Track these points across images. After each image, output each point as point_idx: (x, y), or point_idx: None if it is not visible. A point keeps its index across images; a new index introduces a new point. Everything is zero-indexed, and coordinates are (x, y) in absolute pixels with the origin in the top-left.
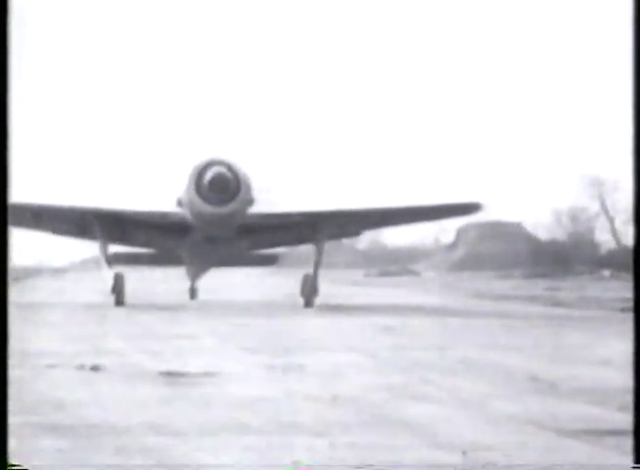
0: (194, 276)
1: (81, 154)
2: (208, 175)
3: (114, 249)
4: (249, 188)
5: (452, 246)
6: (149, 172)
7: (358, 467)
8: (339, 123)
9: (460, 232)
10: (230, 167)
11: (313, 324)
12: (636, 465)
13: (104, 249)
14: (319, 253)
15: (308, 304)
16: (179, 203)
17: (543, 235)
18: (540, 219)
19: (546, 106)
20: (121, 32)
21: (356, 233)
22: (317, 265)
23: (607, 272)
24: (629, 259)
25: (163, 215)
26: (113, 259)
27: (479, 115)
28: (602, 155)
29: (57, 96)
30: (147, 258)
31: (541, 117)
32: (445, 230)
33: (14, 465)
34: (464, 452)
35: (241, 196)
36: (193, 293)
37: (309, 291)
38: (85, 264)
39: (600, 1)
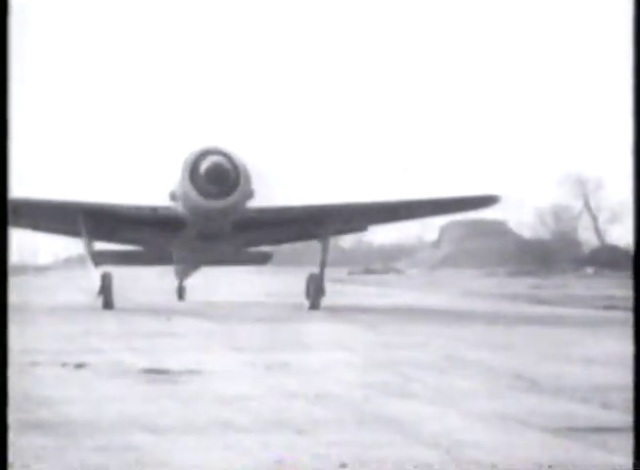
0: (182, 275)
1: (65, 143)
2: (205, 165)
3: (99, 246)
4: (248, 179)
5: (436, 244)
6: (138, 163)
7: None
8: (343, 114)
9: (444, 230)
10: (228, 156)
11: (328, 332)
12: (637, 466)
13: (89, 246)
14: (324, 250)
15: (314, 305)
16: (172, 196)
17: (527, 233)
18: (524, 218)
19: (530, 103)
20: (115, 21)
21: (363, 228)
22: (323, 264)
23: (590, 270)
24: (612, 257)
25: (154, 210)
26: (99, 258)
27: (466, 112)
28: (585, 153)
29: (38, 81)
30: (134, 256)
31: (525, 115)
32: (429, 228)
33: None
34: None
35: (240, 188)
36: (181, 293)
37: (315, 292)
38: (69, 263)
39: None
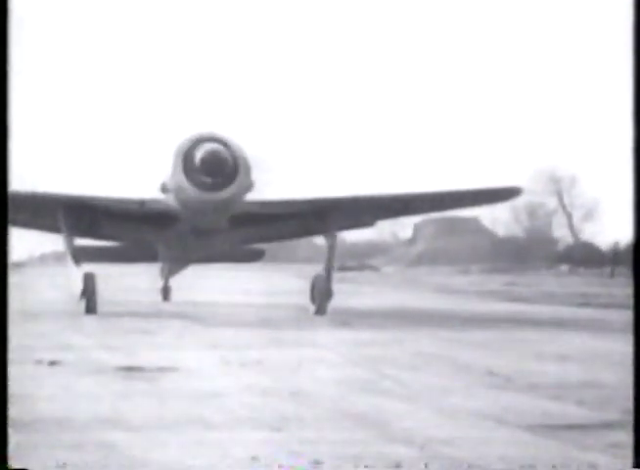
0: (169, 274)
1: (45, 130)
2: (200, 154)
3: (79, 243)
4: (248, 170)
5: (410, 241)
6: (125, 152)
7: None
8: (350, 103)
9: (418, 228)
10: (226, 144)
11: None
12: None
13: (70, 243)
14: (331, 247)
15: (320, 310)
16: (163, 188)
17: (501, 231)
18: (498, 215)
19: (507, 100)
20: (105, 9)
21: (371, 223)
22: (330, 263)
23: (565, 268)
24: (587, 255)
25: (142, 203)
26: (80, 256)
27: (450, 109)
28: (559, 150)
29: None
30: (119, 253)
31: (500, 112)
32: (403, 226)
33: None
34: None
35: (239, 179)
36: (166, 293)
37: (321, 295)
38: (44, 260)
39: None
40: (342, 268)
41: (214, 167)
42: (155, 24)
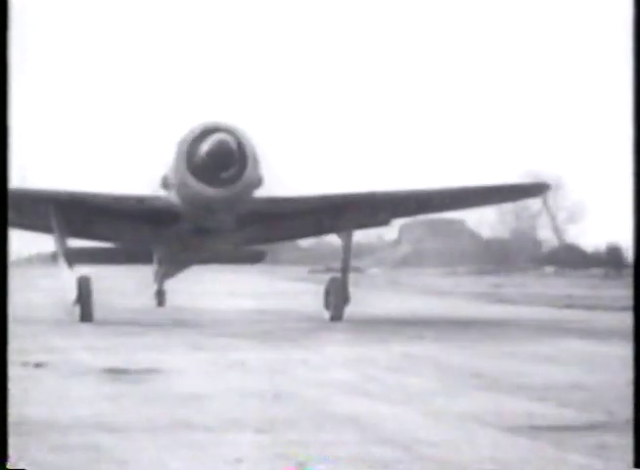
0: (164, 277)
1: (39, 122)
2: (206, 146)
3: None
4: (257, 163)
5: (396, 243)
6: (123, 144)
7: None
8: (361, 96)
9: (403, 229)
10: (234, 134)
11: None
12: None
13: (62, 244)
14: (346, 247)
15: (336, 316)
16: (163, 183)
17: (486, 232)
18: (483, 217)
19: (491, 101)
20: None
21: (387, 222)
22: (346, 264)
23: (549, 269)
24: (571, 257)
25: (141, 201)
26: (74, 258)
27: (437, 109)
28: (544, 152)
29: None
30: (113, 255)
31: (484, 115)
32: (389, 227)
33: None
34: None
35: (248, 173)
36: (161, 298)
37: (337, 299)
38: (30, 262)
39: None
40: (328, 270)
41: (222, 161)
42: (151, 16)
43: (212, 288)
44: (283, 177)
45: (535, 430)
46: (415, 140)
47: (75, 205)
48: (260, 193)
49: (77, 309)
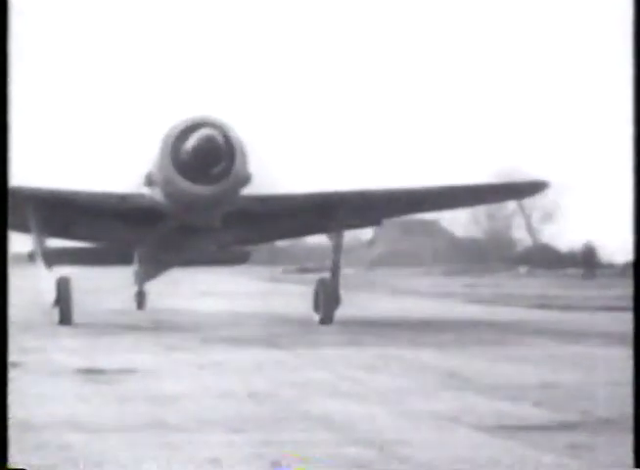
0: (145, 278)
1: (18, 117)
2: (192, 141)
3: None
4: (245, 160)
5: (370, 243)
6: (104, 139)
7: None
8: (354, 91)
9: (378, 229)
10: (221, 129)
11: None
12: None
13: (40, 243)
14: (337, 247)
15: (326, 319)
16: (147, 180)
17: (460, 232)
18: (457, 216)
19: (466, 100)
20: None
21: (378, 222)
22: (336, 265)
23: (523, 269)
24: (545, 257)
25: (123, 198)
26: (52, 258)
27: (419, 108)
28: (518, 151)
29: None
30: (93, 255)
31: (457, 114)
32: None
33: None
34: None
35: (235, 170)
36: (141, 299)
37: (328, 301)
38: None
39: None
40: (302, 270)
41: (208, 157)
42: (137, 8)
43: (188, 289)
44: (273, 174)
45: (508, 429)
46: (409, 138)
47: (54, 203)
48: (249, 191)
49: (56, 312)
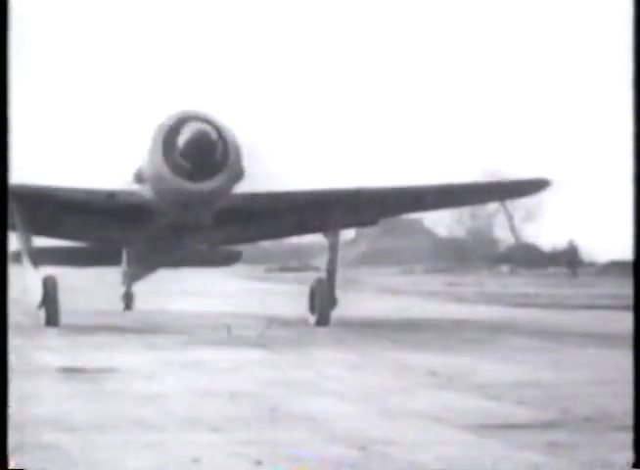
0: (133, 279)
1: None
2: (185, 136)
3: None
4: (239, 155)
5: (353, 242)
6: (92, 134)
7: None
8: (352, 88)
9: (361, 228)
10: (214, 124)
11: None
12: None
13: (26, 242)
14: (333, 247)
15: (322, 321)
16: (137, 177)
17: (443, 231)
18: (440, 216)
19: (450, 99)
20: None
21: (375, 221)
22: (333, 265)
23: (505, 268)
24: (527, 256)
25: (112, 195)
26: (39, 258)
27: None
28: (501, 151)
29: None
30: (80, 255)
31: (441, 113)
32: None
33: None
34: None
35: (229, 166)
36: (129, 300)
37: (323, 302)
38: None
39: None
40: (284, 269)
41: (201, 152)
42: (128, 5)
43: (170, 287)
44: (267, 170)
45: (489, 428)
46: (407, 135)
47: (39, 199)
48: (242, 187)
49: (42, 313)
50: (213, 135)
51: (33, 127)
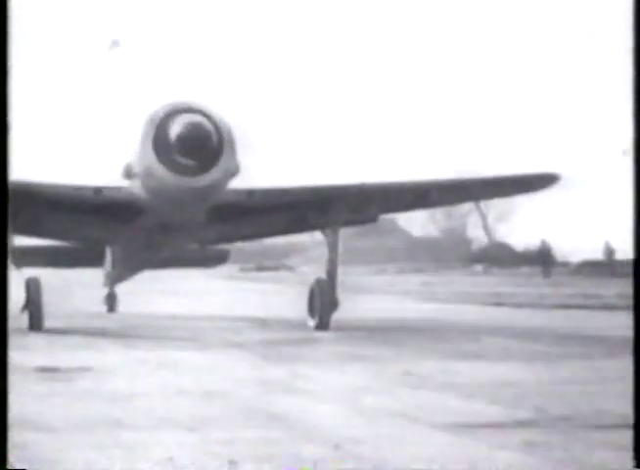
0: (116, 280)
1: None
2: (177, 128)
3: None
4: (233, 149)
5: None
6: (78, 127)
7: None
8: (351, 82)
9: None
10: (208, 116)
11: None
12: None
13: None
14: (333, 245)
15: (322, 324)
16: (126, 172)
17: (416, 231)
18: (414, 215)
19: (427, 99)
20: None
21: (375, 218)
22: (333, 265)
23: (479, 267)
24: (500, 255)
25: (99, 191)
26: (22, 258)
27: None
28: (476, 151)
29: None
30: (63, 256)
31: (417, 111)
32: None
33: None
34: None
35: (223, 161)
36: (112, 303)
37: (324, 304)
38: None
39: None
40: (259, 268)
41: (195, 146)
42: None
43: (147, 287)
44: (262, 165)
45: (463, 427)
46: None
47: (21, 196)
48: (236, 183)
49: (25, 317)
50: (207, 128)
51: (19, 121)
